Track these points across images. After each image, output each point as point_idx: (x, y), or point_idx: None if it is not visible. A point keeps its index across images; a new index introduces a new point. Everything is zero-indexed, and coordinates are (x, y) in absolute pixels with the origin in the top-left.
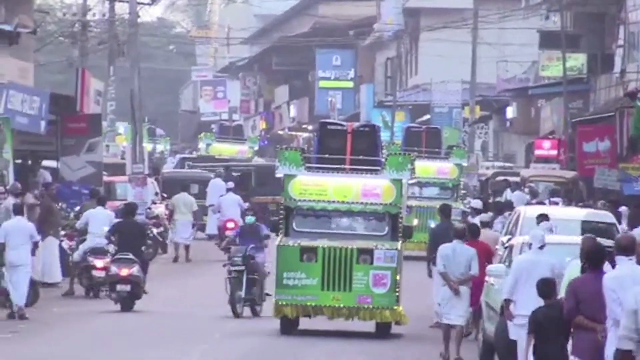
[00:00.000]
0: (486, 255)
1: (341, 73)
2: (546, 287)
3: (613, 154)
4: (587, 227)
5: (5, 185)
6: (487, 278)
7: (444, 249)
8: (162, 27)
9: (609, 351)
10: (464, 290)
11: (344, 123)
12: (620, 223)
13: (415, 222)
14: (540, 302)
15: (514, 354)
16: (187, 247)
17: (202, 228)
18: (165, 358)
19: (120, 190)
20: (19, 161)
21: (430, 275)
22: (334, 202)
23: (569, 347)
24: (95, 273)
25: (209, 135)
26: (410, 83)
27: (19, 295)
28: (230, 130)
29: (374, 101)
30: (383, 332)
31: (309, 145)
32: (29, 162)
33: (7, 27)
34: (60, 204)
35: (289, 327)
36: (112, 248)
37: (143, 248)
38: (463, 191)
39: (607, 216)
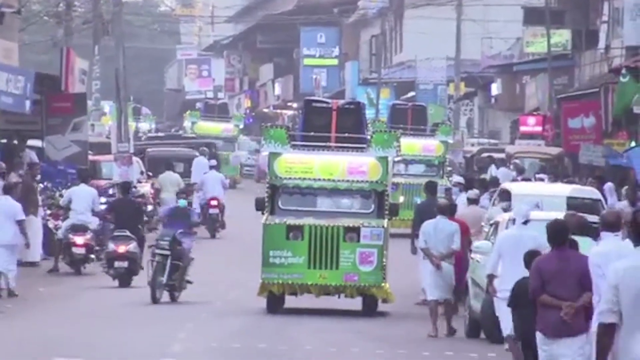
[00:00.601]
0: (465, 233)
1: (326, 51)
2: (532, 259)
3: (598, 130)
4: (573, 203)
5: None
6: (472, 255)
7: (426, 225)
8: (147, 5)
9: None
10: (447, 265)
11: (329, 100)
12: (606, 199)
13: (401, 199)
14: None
15: (500, 330)
16: None
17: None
18: (151, 337)
19: (105, 169)
20: (4, 141)
21: (414, 252)
22: (319, 180)
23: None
24: (74, 250)
25: (194, 114)
26: (394, 60)
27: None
28: (216, 109)
29: (358, 78)
30: (370, 309)
31: (294, 123)
32: (15, 141)
33: None
34: (45, 183)
35: (275, 305)
36: (96, 224)
37: (140, 226)
38: (449, 168)
39: (592, 192)
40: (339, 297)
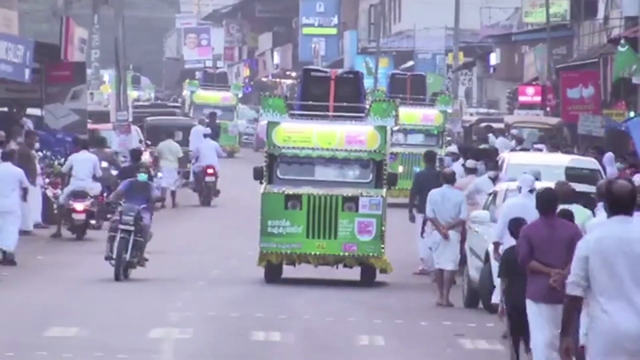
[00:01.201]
0: None
1: (325, 20)
2: (517, 227)
3: (597, 101)
4: (571, 173)
5: None
6: (470, 225)
7: (433, 194)
8: None
9: None
10: (454, 235)
11: (328, 70)
12: (604, 169)
13: (400, 169)
14: None
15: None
16: (173, 193)
17: (187, 175)
18: (148, 306)
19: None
20: (5, 109)
21: (412, 220)
22: (318, 149)
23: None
24: (74, 216)
25: (193, 83)
26: (393, 30)
27: (8, 241)
28: (214, 78)
29: (357, 48)
30: (368, 279)
31: (293, 92)
32: (14, 110)
33: None
34: (44, 151)
35: (273, 275)
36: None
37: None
38: (448, 138)
39: (591, 162)
40: (337, 267)
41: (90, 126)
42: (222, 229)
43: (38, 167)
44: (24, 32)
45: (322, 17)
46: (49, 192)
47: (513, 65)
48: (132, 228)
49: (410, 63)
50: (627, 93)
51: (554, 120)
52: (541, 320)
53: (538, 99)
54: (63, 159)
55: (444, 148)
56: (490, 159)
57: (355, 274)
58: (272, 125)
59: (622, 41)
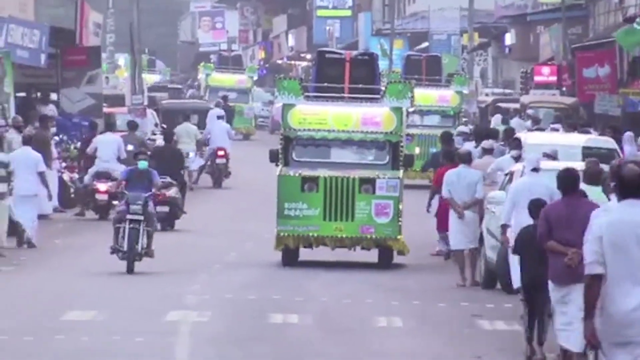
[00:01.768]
0: None
1: (339, 2)
2: (537, 207)
3: (613, 80)
4: (588, 153)
5: (6, 118)
6: (487, 205)
7: (449, 174)
8: None
9: None
10: (471, 214)
11: (342, 52)
12: (622, 148)
13: (417, 150)
14: None
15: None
16: (190, 175)
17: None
18: (165, 289)
19: (120, 121)
20: (23, 94)
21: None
22: (333, 131)
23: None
24: (97, 196)
25: (208, 66)
26: (408, 11)
27: (28, 224)
28: (229, 61)
29: (372, 29)
30: (385, 261)
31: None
32: (35, 95)
33: None
34: (60, 136)
35: (290, 258)
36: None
37: (181, 171)
38: (464, 119)
39: (608, 142)
40: (354, 250)
41: (105, 110)
42: (237, 211)
43: (55, 151)
44: (39, 17)
45: None
46: (66, 177)
47: (528, 45)
48: (142, 217)
49: (425, 44)
50: None
51: (570, 100)
52: (561, 301)
53: (554, 78)
54: (79, 143)
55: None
56: (513, 139)
57: (372, 256)
58: (287, 107)
59: (638, 19)
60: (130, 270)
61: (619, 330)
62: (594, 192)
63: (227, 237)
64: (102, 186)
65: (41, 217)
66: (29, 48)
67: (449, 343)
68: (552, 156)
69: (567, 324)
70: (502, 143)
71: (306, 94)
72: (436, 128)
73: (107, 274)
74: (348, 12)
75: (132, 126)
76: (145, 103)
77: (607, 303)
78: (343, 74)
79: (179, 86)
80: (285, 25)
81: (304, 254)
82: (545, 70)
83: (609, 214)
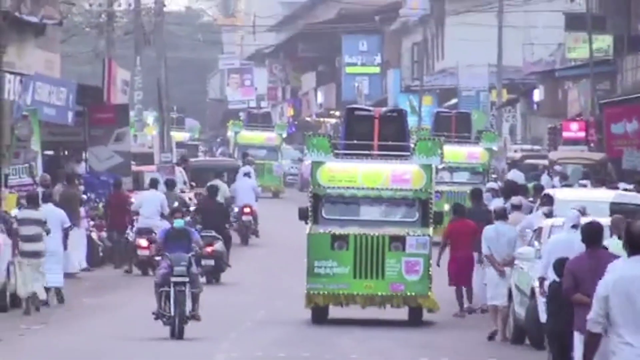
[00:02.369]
0: (472, 234)
1: (368, 58)
2: (562, 266)
3: None
4: (616, 208)
5: (34, 177)
6: (516, 262)
7: (487, 230)
8: (189, 16)
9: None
10: (508, 271)
11: (371, 108)
12: None
13: (446, 207)
14: None
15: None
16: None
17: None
18: (194, 347)
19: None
20: (51, 152)
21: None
22: (363, 188)
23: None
24: (139, 252)
25: (237, 123)
26: (437, 67)
27: (57, 277)
28: (258, 118)
29: (401, 86)
30: (415, 318)
31: (337, 131)
32: (65, 152)
33: (33, 19)
34: (88, 194)
35: (320, 316)
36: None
37: (227, 225)
38: (493, 175)
39: (636, 197)
40: (384, 307)
41: (134, 168)
42: (262, 267)
43: (82, 210)
44: (66, 75)
45: (365, 55)
46: (94, 235)
47: (557, 101)
48: (187, 279)
49: (454, 100)
50: None
51: (599, 156)
52: None
53: (582, 134)
54: (104, 200)
55: None
56: (543, 195)
57: (401, 313)
58: (316, 164)
59: None
60: (179, 335)
61: None
62: (614, 245)
63: (256, 294)
64: (144, 242)
65: (66, 275)
66: (56, 106)
67: None
68: (581, 212)
69: None
70: (530, 199)
71: (335, 151)
72: (465, 185)
73: (135, 332)
74: (377, 69)
75: (170, 184)
76: (174, 161)
77: (623, 350)
78: (372, 130)
79: (196, 143)
80: (314, 82)
81: (334, 311)
82: (574, 126)
83: (614, 273)
